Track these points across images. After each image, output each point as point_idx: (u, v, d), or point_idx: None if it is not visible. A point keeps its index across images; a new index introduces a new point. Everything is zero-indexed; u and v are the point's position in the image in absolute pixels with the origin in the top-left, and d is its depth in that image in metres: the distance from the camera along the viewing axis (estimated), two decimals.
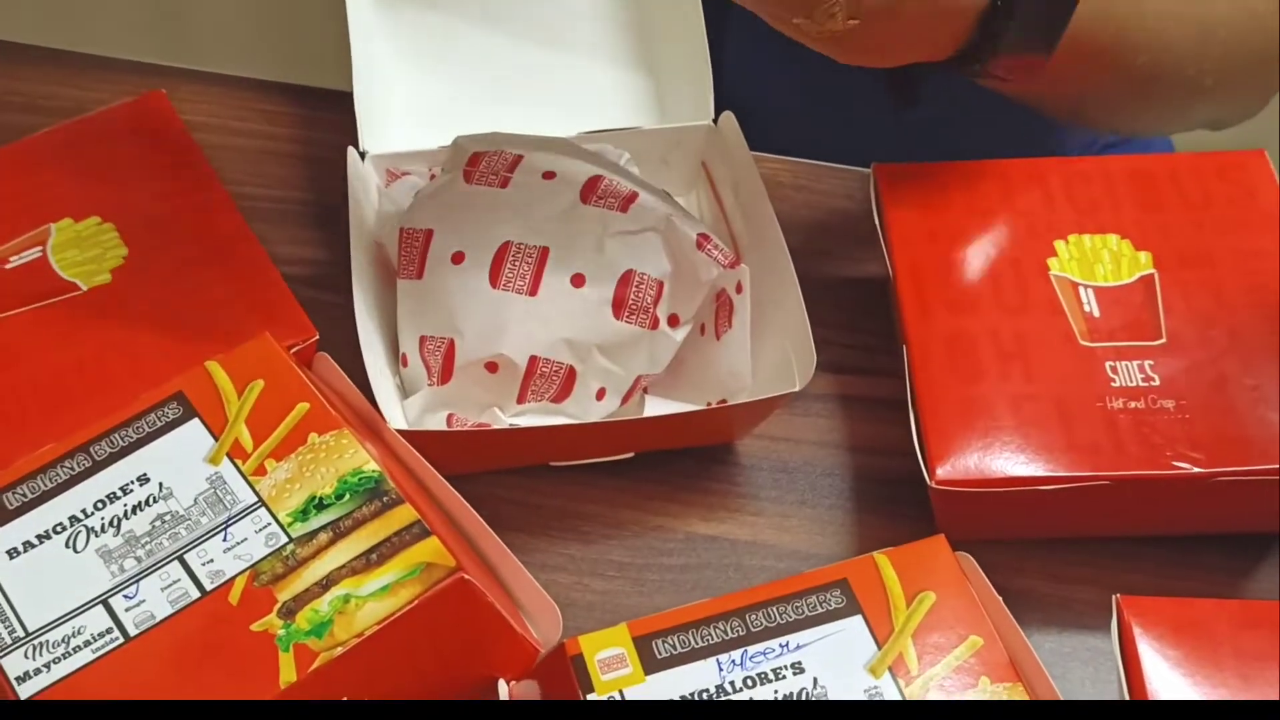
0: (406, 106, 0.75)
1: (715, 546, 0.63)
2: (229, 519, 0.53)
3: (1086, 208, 0.68)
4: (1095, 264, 0.66)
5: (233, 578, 0.51)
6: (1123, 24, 0.66)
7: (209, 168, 0.68)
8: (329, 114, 0.78)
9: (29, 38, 0.81)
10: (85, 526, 0.53)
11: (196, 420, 0.56)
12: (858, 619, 0.52)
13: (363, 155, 0.70)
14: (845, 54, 0.59)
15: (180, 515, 0.53)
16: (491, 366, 0.62)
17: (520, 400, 0.62)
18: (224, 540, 0.52)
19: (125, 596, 0.51)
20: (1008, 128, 0.90)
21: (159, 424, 0.55)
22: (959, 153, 0.78)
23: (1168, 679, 0.51)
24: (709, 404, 0.65)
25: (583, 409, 0.63)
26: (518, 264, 0.62)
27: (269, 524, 0.53)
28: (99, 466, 0.54)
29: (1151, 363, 0.63)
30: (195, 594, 0.51)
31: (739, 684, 0.51)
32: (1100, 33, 0.65)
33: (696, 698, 0.50)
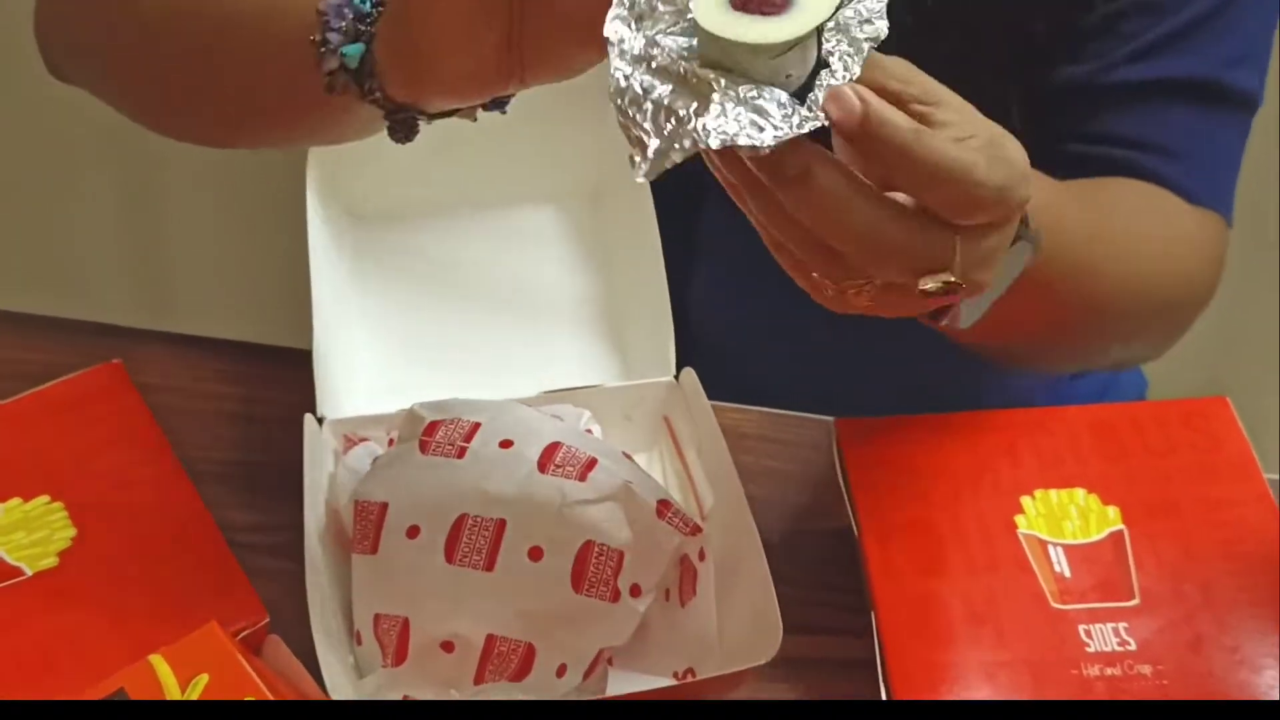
0: (367, 366, 0.74)
1: None
2: None
3: (1051, 460, 0.67)
4: (1063, 520, 0.65)
5: None
6: (1078, 273, 0.67)
7: (164, 440, 0.68)
8: (287, 372, 0.77)
9: None
10: None
11: None
12: None
13: (320, 420, 0.70)
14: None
15: None
16: (447, 646, 0.60)
17: (478, 681, 0.60)
18: None
19: None
20: (971, 359, 0.91)
21: None
22: (925, 385, 0.78)
23: None
24: (675, 673, 0.63)
25: (543, 687, 0.61)
26: (474, 538, 0.61)
27: None
28: None
29: (1126, 625, 0.61)
30: None
31: None
32: (1058, 280, 0.66)
33: None
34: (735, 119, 0.47)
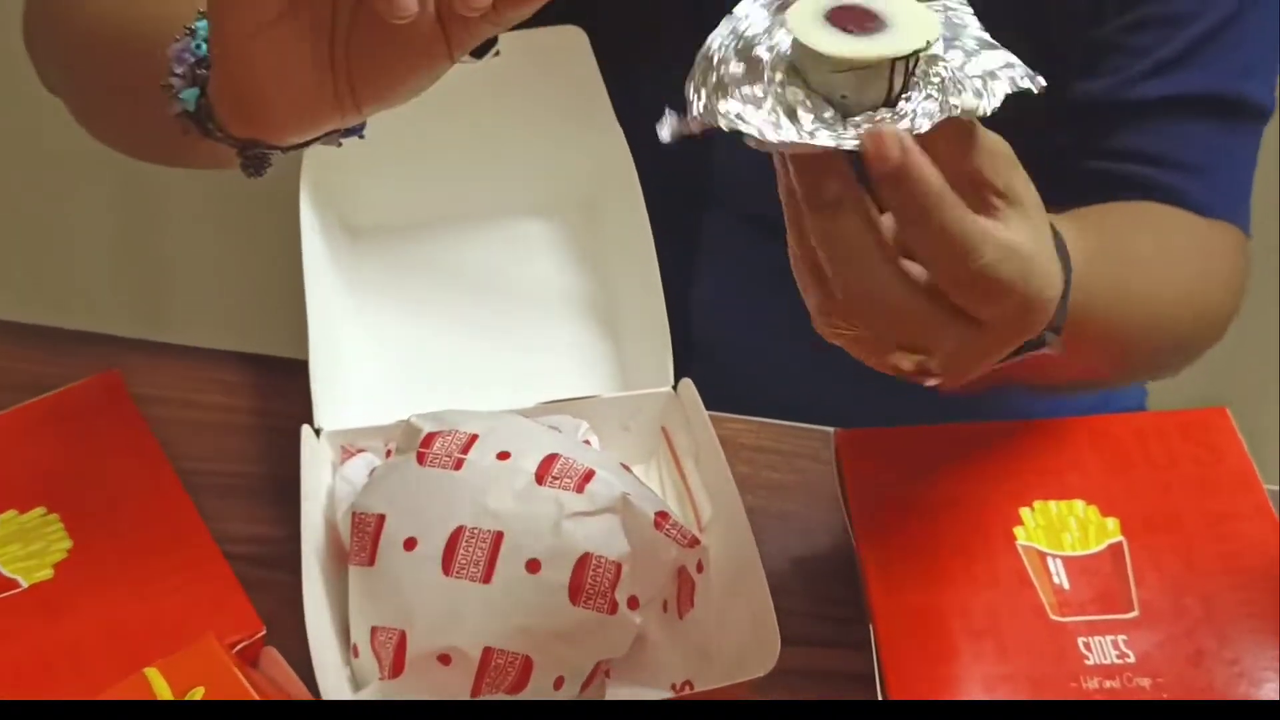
0: (364, 374, 0.74)
1: None
2: None
3: (1050, 471, 0.67)
4: (1062, 532, 0.65)
5: None
6: (1106, 316, 0.66)
7: (160, 451, 0.67)
8: (285, 383, 0.77)
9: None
10: None
11: None
12: None
13: (318, 432, 0.69)
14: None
15: None
16: (444, 659, 0.60)
17: (475, 694, 0.60)
18: None
19: None
20: None
21: None
22: (925, 395, 0.78)
23: None
24: (673, 685, 0.62)
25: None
26: (471, 550, 0.61)
27: None
28: None
29: (1125, 638, 0.61)
30: None
31: None
32: (1090, 324, 0.64)
33: None
34: (764, 112, 0.46)
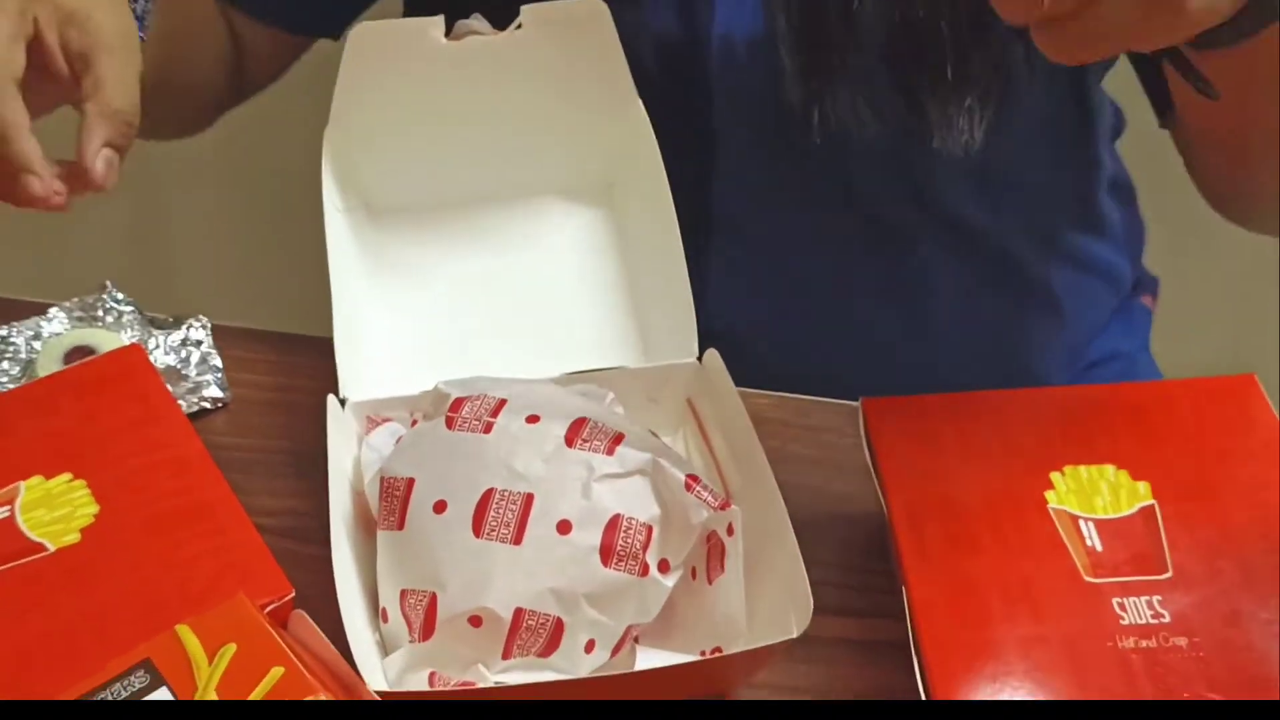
0: (388, 349, 0.74)
1: None
2: None
3: (1080, 438, 0.67)
4: (1094, 496, 0.64)
5: None
6: None
7: (186, 420, 0.67)
8: (309, 360, 0.77)
9: (6, 291, 0.81)
10: None
11: (164, 689, 0.53)
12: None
13: (343, 402, 0.69)
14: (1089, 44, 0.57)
15: None
16: (475, 621, 0.59)
17: (505, 656, 0.59)
18: None
19: None
20: (988, 352, 0.90)
21: (124, 694, 0.52)
22: (938, 377, 0.78)
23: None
24: (703, 652, 0.62)
25: (571, 663, 0.60)
26: (501, 512, 0.60)
27: None
28: None
29: (1160, 598, 0.61)
30: None
31: None
32: None
33: None
34: None
